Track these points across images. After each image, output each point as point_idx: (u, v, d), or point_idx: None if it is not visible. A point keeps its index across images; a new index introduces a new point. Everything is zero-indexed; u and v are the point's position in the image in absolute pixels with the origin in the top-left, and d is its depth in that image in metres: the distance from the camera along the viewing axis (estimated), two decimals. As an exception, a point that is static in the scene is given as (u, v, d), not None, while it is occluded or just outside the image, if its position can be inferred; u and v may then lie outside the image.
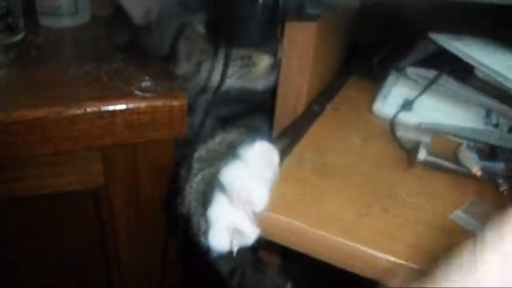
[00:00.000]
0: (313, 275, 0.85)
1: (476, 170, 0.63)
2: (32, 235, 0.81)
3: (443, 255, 0.32)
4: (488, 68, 0.68)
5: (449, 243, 0.52)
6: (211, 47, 0.79)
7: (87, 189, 0.77)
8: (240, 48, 0.76)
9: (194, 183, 0.59)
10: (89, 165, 0.74)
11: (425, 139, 0.70)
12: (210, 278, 0.77)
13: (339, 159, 0.65)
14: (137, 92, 0.70)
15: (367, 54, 0.88)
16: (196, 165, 0.60)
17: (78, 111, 0.66)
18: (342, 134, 0.71)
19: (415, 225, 0.55)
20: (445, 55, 0.72)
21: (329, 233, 0.53)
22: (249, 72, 0.79)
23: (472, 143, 0.68)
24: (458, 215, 0.57)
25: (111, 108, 0.68)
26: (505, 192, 0.62)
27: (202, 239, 0.55)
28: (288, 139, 0.67)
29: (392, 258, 0.50)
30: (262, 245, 0.53)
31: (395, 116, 0.74)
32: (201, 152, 0.62)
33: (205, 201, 0.55)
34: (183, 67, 0.80)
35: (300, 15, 0.60)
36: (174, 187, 0.64)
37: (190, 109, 0.74)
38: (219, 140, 0.64)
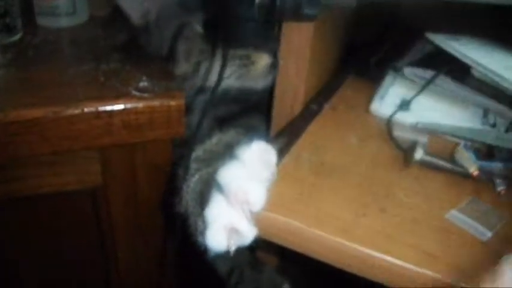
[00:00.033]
0: (311, 275, 0.85)
1: (474, 170, 0.63)
2: (31, 235, 0.81)
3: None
4: (485, 68, 0.68)
5: (446, 243, 0.53)
6: (209, 47, 0.79)
7: (85, 189, 0.77)
8: (238, 48, 0.76)
9: (192, 183, 0.59)
10: (87, 165, 0.74)
11: (423, 139, 0.70)
12: (208, 277, 0.77)
13: (336, 159, 0.65)
14: (135, 92, 0.70)
15: (365, 54, 0.88)
16: (193, 165, 0.60)
17: (76, 111, 0.66)
18: (339, 134, 0.71)
19: (412, 225, 0.55)
20: (442, 55, 0.72)
21: (326, 233, 0.53)
22: (247, 72, 0.79)
23: (469, 143, 0.69)
24: (455, 215, 0.57)
25: (108, 108, 0.68)
26: (502, 192, 0.62)
27: (200, 238, 0.55)
28: (285, 139, 0.68)
29: (389, 258, 0.50)
30: (260, 244, 0.53)
31: (392, 115, 0.74)
32: (198, 152, 0.62)
33: (202, 201, 0.55)
34: (182, 67, 0.80)
35: (297, 15, 0.60)
36: (171, 187, 0.64)
37: (188, 109, 0.74)
38: (216, 140, 0.64)
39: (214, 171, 0.53)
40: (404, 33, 0.88)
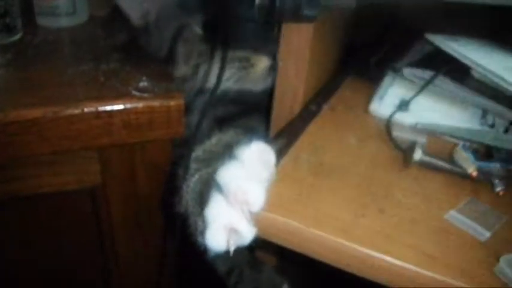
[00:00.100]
0: (310, 275, 0.85)
1: (472, 170, 0.63)
2: (30, 234, 0.81)
3: None
4: (484, 68, 0.68)
5: (445, 244, 0.53)
6: (208, 50, 0.79)
7: (85, 189, 0.77)
8: (237, 49, 0.76)
9: (191, 183, 0.59)
10: (87, 164, 0.74)
11: (421, 139, 0.70)
12: (208, 277, 0.77)
13: (335, 160, 0.65)
14: (134, 92, 0.70)
15: (364, 54, 0.88)
16: (193, 166, 0.61)
17: (76, 111, 0.66)
18: (338, 134, 0.71)
19: (411, 225, 0.55)
20: (442, 56, 0.72)
21: (325, 233, 0.53)
22: (247, 74, 0.79)
23: (467, 144, 0.69)
24: (454, 215, 0.57)
25: (108, 108, 0.68)
26: (501, 192, 0.62)
27: (199, 238, 0.55)
28: (284, 139, 0.68)
29: (388, 258, 0.51)
30: (259, 244, 0.53)
31: (391, 116, 0.74)
32: (198, 152, 0.62)
33: (202, 201, 0.55)
34: (181, 69, 0.80)
35: (297, 16, 0.60)
36: (171, 186, 0.64)
37: (188, 109, 0.74)
38: (215, 140, 0.64)
39: (214, 172, 0.53)
40: (404, 33, 0.88)
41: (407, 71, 0.75)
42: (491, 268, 0.50)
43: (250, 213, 0.51)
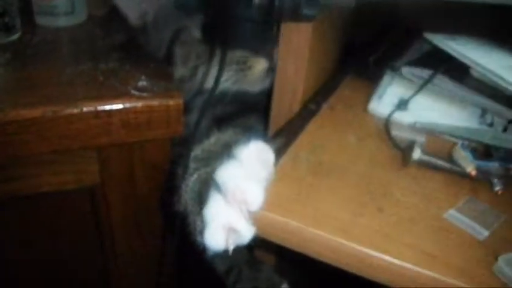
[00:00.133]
0: (309, 274, 0.85)
1: (471, 170, 0.63)
2: (30, 234, 0.81)
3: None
4: (483, 67, 0.68)
5: (444, 243, 0.53)
6: (207, 52, 0.79)
7: (84, 188, 0.77)
8: (236, 49, 0.76)
9: (190, 183, 0.59)
10: (86, 164, 0.74)
11: (420, 138, 0.70)
12: (207, 276, 0.77)
13: (334, 159, 0.65)
14: (133, 92, 0.70)
15: (363, 53, 0.89)
16: (192, 165, 0.61)
17: (75, 111, 0.66)
18: (337, 134, 0.71)
19: (409, 224, 0.55)
20: (440, 55, 0.72)
21: (324, 232, 0.53)
22: (244, 77, 0.79)
23: (466, 143, 0.69)
24: (453, 214, 0.57)
25: (107, 107, 0.68)
26: (500, 191, 0.62)
27: (198, 237, 0.55)
28: (283, 138, 0.68)
29: (387, 258, 0.51)
30: (258, 243, 0.53)
31: (390, 115, 0.74)
32: (196, 151, 0.62)
33: (201, 200, 0.55)
34: (179, 71, 0.80)
35: (296, 15, 0.60)
36: (170, 186, 0.64)
37: (186, 109, 0.74)
38: (214, 139, 0.64)
39: (213, 171, 0.53)
40: (403, 33, 0.89)
41: (406, 70, 0.75)
42: (490, 267, 0.50)
43: (249, 212, 0.51)
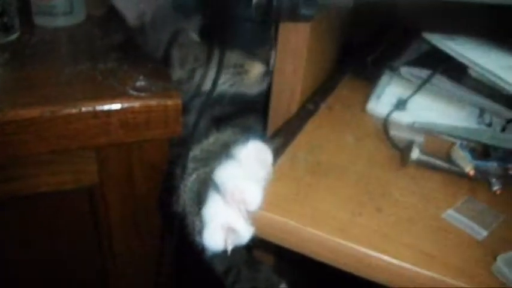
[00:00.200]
0: (307, 274, 0.85)
1: (469, 169, 0.63)
2: (29, 234, 0.81)
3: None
4: (481, 67, 0.68)
5: (442, 243, 0.53)
6: (204, 54, 0.79)
7: (82, 188, 0.77)
8: (234, 49, 0.76)
9: (189, 183, 0.59)
10: (84, 164, 0.74)
11: (419, 138, 0.70)
12: (205, 276, 0.77)
13: (332, 159, 0.65)
14: (132, 92, 0.70)
15: (361, 53, 0.89)
16: (190, 165, 0.61)
17: (73, 111, 0.66)
18: (335, 134, 0.71)
19: (408, 224, 0.55)
20: (439, 54, 0.72)
21: (323, 232, 0.53)
22: (241, 80, 0.80)
23: (465, 143, 0.69)
24: (451, 214, 0.57)
25: (106, 107, 0.68)
26: (498, 191, 0.62)
27: (197, 238, 0.55)
28: (281, 138, 0.68)
29: (385, 257, 0.51)
30: (257, 243, 0.53)
31: (388, 115, 0.74)
32: (195, 151, 0.62)
33: (199, 200, 0.55)
34: (176, 73, 0.80)
35: (294, 15, 0.60)
36: (168, 186, 0.64)
37: (185, 109, 0.74)
38: (213, 139, 0.64)
39: (211, 171, 0.53)
40: (401, 32, 0.89)
41: (404, 70, 0.75)
42: (488, 267, 0.50)
43: (248, 212, 0.51)
